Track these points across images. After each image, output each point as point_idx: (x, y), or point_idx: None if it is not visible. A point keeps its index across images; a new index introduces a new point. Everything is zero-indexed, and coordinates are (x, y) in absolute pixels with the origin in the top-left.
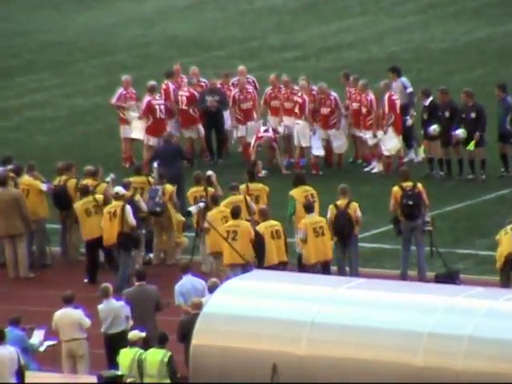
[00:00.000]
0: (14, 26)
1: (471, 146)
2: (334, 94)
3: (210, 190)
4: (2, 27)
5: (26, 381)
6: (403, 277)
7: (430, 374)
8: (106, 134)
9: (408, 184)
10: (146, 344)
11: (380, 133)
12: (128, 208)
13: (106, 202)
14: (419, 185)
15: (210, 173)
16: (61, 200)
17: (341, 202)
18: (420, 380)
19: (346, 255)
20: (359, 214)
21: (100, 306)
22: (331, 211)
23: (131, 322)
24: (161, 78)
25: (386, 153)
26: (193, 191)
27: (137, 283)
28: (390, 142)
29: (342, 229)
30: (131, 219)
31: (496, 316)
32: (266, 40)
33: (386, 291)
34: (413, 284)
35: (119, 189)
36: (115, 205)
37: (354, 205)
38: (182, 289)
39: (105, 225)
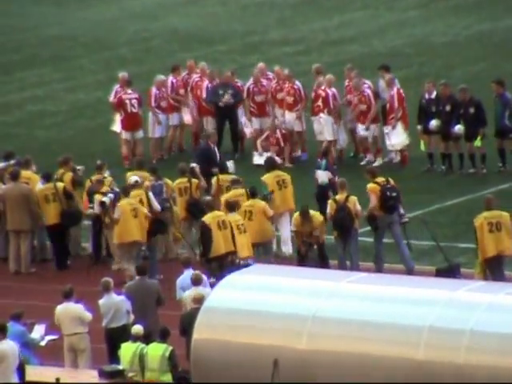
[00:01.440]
0: (15, 21)
1: (478, 142)
2: (333, 89)
3: (194, 181)
4: (3, 22)
5: (27, 375)
6: (380, 270)
7: (431, 367)
8: (107, 129)
9: (382, 179)
10: (147, 338)
11: (388, 127)
12: (151, 194)
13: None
14: (391, 180)
15: (193, 165)
16: None
17: (340, 197)
18: (421, 374)
19: (346, 249)
20: (359, 207)
21: (101, 301)
22: (331, 206)
23: (132, 317)
24: (162, 72)
25: (390, 148)
26: (177, 183)
27: (137, 277)
28: (398, 138)
29: (342, 223)
30: (156, 204)
31: (497, 310)
32: (267, 34)
33: (387, 285)
34: (414, 278)
35: (136, 178)
36: (137, 193)
37: (353, 198)
38: (183, 283)
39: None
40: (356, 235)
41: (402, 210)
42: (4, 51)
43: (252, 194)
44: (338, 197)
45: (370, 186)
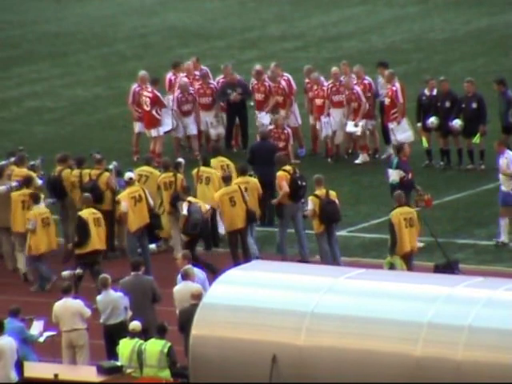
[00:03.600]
0: (13, 17)
1: (477, 139)
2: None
3: (179, 175)
4: (1, 17)
5: (26, 371)
6: (284, 258)
7: (430, 363)
8: (106, 125)
9: (289, 168)
10: (145, 334)
11: (394, 123)
12: (147, 191)
13: (111, 190)
14: (297, 169)
15: (179, 160)
16: (55, 190)
17: (320, 192)
18: (420, 370)
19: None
20: (337, 201)
21: (99, 297)
22: (313, 202)
23: (130, 313)
24: (160, 68)
25: (395, 143)
26: (162, 177)
27: (132, 273)
28: (403, 134)
29: (333, 216)
30: (151, 200)
31: (495, 306)
32: (265, 30)
33: (386, 281)
34: (412, 274)
35: (132, 174)
36: (135, 189)
37: (333, 193)
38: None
39: (130, 210)
40: (335, 229)
41: (302, 200)
42: (2, 47)
43: (243, 171)
44: (318, 192)
45: (280, 173)
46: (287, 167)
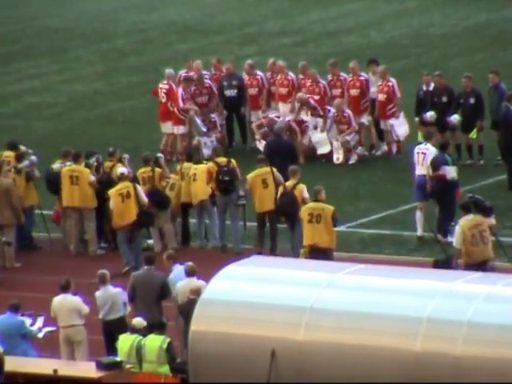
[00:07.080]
0: (13, 12)
1: (474, 134)
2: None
3: (158, 170)
4: (1, 12)
5: (25, 367)
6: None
7: (429, 359)
8: (105, 120)
9: (223, 160)
10: (150, 330)
11: (393, 119)
12: (139, 187)
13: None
14: (233, 161)
15: (159, 155)
16: (52, 185)
17: (289, 183)
18: (419, 365)
19: (292, 236)
20: (306, 195)
21: (97, 293)
22: (279, 190)
23: (129, 308)
24: (159, 64)
25: (395, 138)
26: (141, 172)
27: (145, 267)
28: (402, 128)
29: (285, 209)
30: (144, 197)
31: (495, 301)
32: (264, 25)
33: (385, 277)
34: (411, 269)
35: (124, 170)
36: (125, 186)
37: (301, 186)
38: (177, 279)
39: (116, 206)
40: (301, 224)
41: (241, 192)
42: (2, 42)
43: (189, 157)
44: (287, 183)
45: (210, 165)
46: (219, 159)
